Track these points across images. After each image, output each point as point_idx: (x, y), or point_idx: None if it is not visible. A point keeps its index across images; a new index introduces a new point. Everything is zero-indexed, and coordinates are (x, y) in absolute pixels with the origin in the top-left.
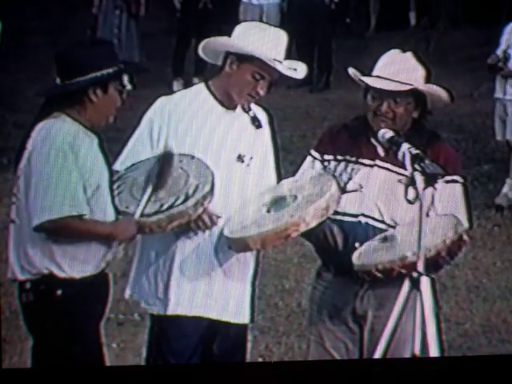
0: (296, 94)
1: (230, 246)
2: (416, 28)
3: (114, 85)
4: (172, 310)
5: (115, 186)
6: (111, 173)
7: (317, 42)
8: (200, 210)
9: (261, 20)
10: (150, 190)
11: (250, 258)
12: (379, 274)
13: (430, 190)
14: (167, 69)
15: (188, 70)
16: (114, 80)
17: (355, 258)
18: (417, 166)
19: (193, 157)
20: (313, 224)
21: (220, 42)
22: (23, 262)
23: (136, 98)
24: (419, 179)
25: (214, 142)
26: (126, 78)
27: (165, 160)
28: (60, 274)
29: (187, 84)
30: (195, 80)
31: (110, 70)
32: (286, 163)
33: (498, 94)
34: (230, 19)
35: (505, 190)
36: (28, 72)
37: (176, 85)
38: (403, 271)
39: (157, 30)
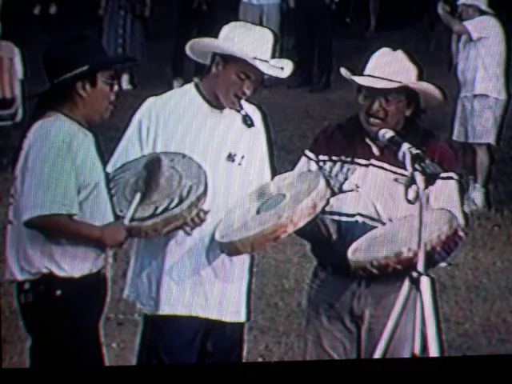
0: (296, 93)
1: (221, 249)
2: (416, 28)
3: (102, 78)
4: (163, 310)
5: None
6: (107, 172)
7: (317, 42)
8: (194, 211)
9: (261, 20)
10: (138, 196)
11: (245, 255)
12: (374, 270)
13: None
14: (167, 69)
15: (188, 70)
16: (102, 73)
17: (350, 253)
18: (417, 166)
19: (184, 155)
20: (301, 224)
21: (204, 42)
22: (22, 262)
23: (136, 98)
24: (419, 179)
25: (203, 141)
26: (125, 78)
27: (152, 164)
28: (60, 273)
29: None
30: (195, 80)
31: (94, 64)
32: (286, 163)
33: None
34: (230, 19)
35: (472, 195)
36: (28, 72)
37: (176, 84)
38: (398, 267)
39: (157, 30)
